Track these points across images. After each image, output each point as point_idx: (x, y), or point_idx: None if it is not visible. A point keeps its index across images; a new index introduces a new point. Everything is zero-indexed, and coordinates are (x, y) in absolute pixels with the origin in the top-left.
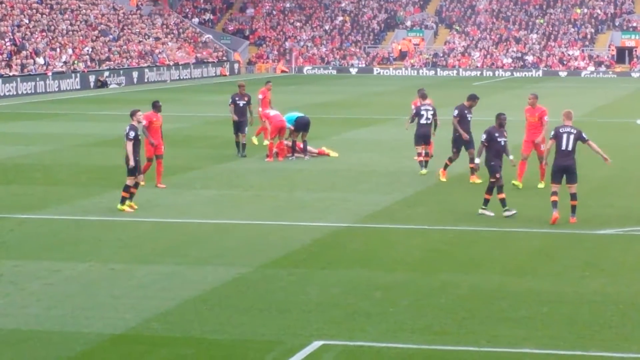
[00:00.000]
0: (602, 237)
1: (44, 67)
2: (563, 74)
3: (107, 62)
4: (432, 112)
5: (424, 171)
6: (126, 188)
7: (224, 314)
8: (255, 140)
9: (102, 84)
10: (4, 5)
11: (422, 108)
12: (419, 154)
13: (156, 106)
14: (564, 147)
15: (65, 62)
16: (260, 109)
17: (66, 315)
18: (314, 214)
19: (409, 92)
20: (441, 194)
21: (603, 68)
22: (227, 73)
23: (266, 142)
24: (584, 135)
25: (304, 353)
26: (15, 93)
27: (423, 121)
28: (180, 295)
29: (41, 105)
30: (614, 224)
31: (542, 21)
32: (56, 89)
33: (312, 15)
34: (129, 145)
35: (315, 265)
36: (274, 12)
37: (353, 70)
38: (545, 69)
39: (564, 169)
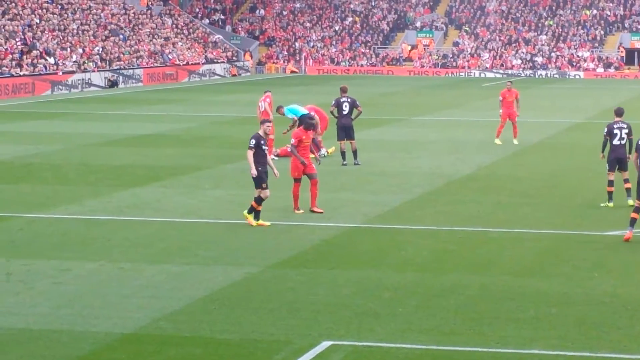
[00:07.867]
0: (612, 238)
1: (55, 67)
2: (572, 75)
3: (118, 62)
4: (627, 131)
5: (612, 204)
6: (258, 200)
7: (232, 313)
8: (498, 141)
9: (112, 84)
10: (15, 4)
11: (615, 126)
12: (610, 183)
13: (307, 123)
14: (616, 142)
15: (75, 62)
16: (501, 111)
17: (75, 315)
18: (323, 215)
19: (418, 93)
20: (449, 195)
21: (612, 69)
22: (237, 73)
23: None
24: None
25: (312, 353)
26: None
27: (616, 142)
28: (190, 295)
29: (51, 105)
30: (624, 225)
31: (551, 22)
32: (66, 89)
33: (322, 16)
34: (249, 154)
35: (324, 265)
36: (284, 13)
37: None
38: (555, 70)
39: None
